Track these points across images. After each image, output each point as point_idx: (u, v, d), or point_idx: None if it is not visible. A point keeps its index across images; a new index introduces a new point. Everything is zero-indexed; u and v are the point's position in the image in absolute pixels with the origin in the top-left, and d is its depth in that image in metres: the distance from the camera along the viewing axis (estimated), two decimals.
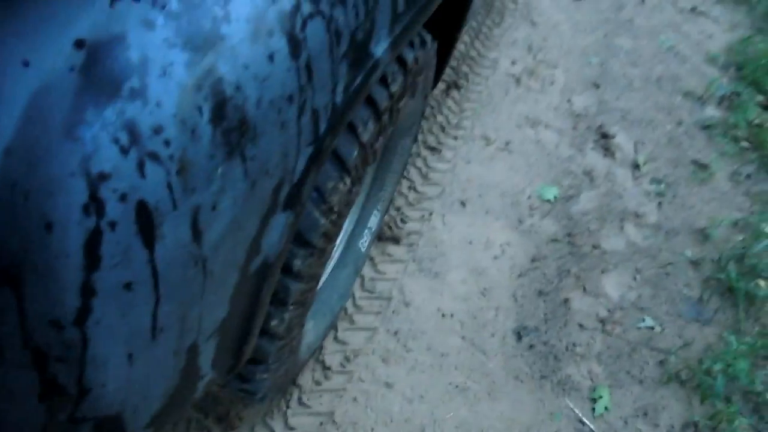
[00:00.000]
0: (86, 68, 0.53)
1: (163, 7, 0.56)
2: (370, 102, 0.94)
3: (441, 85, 2.32)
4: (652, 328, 1.86)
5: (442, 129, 2.18)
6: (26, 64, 0.53)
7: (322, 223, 0.91)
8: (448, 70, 2.39)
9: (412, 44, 1.07)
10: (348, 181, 0.93)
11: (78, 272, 0.57)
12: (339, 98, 0.77)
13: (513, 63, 2.58)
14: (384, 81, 0.96)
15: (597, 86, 2.63)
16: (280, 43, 0.64)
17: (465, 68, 2.45)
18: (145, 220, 0.58)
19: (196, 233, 0.63)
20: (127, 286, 0.60)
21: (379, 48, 0.82)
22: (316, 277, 1.04)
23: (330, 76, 0.73)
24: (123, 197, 0.55)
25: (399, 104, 1.04)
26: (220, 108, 0.60)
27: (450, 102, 2.29)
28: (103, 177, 0.54)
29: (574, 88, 2.58)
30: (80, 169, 0.53)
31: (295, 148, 0.72)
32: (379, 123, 0.97)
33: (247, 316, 0.84)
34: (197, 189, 0.60)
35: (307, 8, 0.67)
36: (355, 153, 0.92)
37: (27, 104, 0.52)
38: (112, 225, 0.56)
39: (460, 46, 2.51)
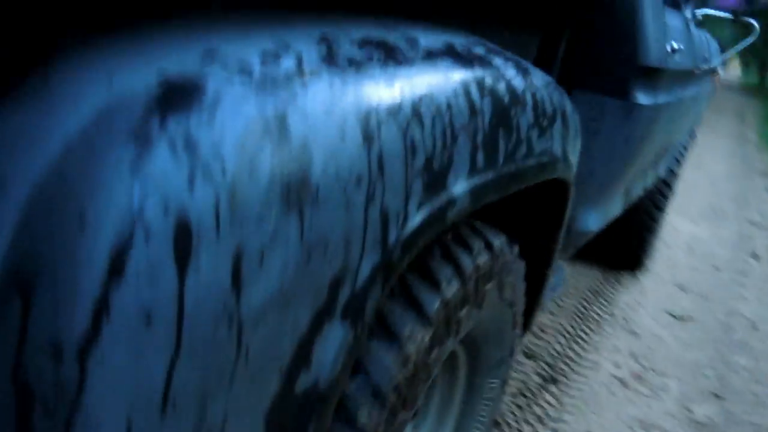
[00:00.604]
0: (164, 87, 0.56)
1: (249, 74, 0.60)
2: (452, 261, 0.89)
3: (536, 378, 2.16)
4: None
5: (540, 420, 1.96)
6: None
7: (394, 373, 0.78)
8: (543, 365, 2.26)
9: (509, 240, 1.06)
10: (426, 333, 0.83)
11: (97, 283, 0.50)
12: (411, 215, 0.74)
13: (617, 366, 2.41)
14: (467, 247, 0.92)
15: (719, 397, 2.35)
16: (354, 129, 0.65)
17: (562, 365, 2.30)
18: (183, 240, 0.52)
19: (236, 281, 0.55)
20: (146, 318, 0.51)
21: (457, 187, 0.81)
22: None
23: (403, 183, 0.71)
24: (165, 205, 0.52)
25: (484, 286, 0.98)
26: (283, 150, 0.58)
27: (548, 395, 2.10)
28: (150, 179, 0.52)
29: (692, 398, 2.31)
30: (130, 168, 0.52)
31: (360, 243, 0.67)
32: (463, 287, 0.90)
33: None
34: (245, 224, 0.55)
35: (383, 112, 0.69)
36: (436, 304, 0.84)
37: (98, 108, 0.54)
38: (147, 234, 0.51)
39: (555, 346, 2.41)
